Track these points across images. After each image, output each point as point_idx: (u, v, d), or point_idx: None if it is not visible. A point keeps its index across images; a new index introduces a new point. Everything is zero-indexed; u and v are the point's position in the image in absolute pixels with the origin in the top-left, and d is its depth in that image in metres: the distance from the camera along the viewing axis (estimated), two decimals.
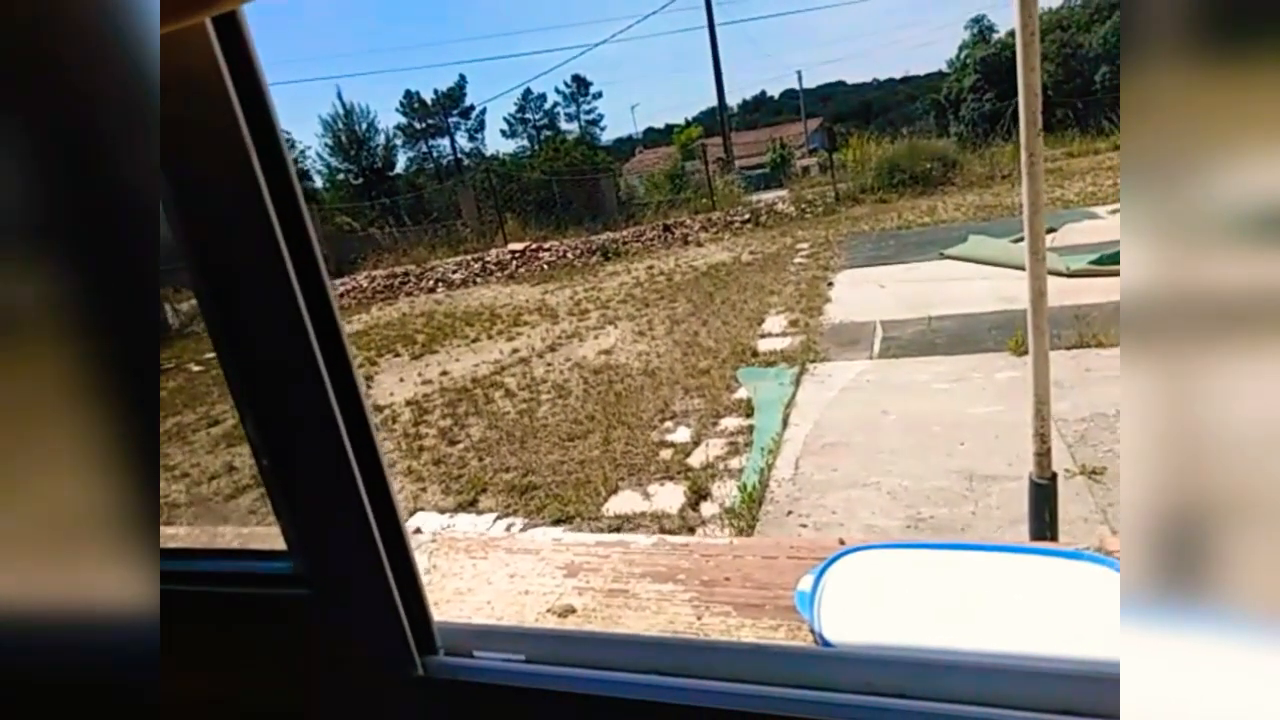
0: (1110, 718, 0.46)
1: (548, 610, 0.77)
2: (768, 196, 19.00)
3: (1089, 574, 0.64)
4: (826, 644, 0.62)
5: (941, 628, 0.61)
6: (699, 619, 0.72)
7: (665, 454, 4.85)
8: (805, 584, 0.69)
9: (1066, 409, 4.36)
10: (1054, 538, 2.00)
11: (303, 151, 29.68)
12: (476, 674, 0.61)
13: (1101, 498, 3.45)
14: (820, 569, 0.70)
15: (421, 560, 0.95)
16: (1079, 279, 7.02)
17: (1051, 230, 9.67)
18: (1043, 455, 2.00)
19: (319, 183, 31.64)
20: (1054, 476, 2.02)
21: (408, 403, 7.03)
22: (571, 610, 0.77)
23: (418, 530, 1.02)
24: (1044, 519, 1.99)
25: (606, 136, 51.44)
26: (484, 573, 0.88)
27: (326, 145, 32.37)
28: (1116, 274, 6.91)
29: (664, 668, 0.59)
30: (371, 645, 0.61)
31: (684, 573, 0.80)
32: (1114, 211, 10.72)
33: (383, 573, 0.58)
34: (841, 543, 0.78)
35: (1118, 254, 7.23)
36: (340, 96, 41.11)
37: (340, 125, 32.17)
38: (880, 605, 0.66)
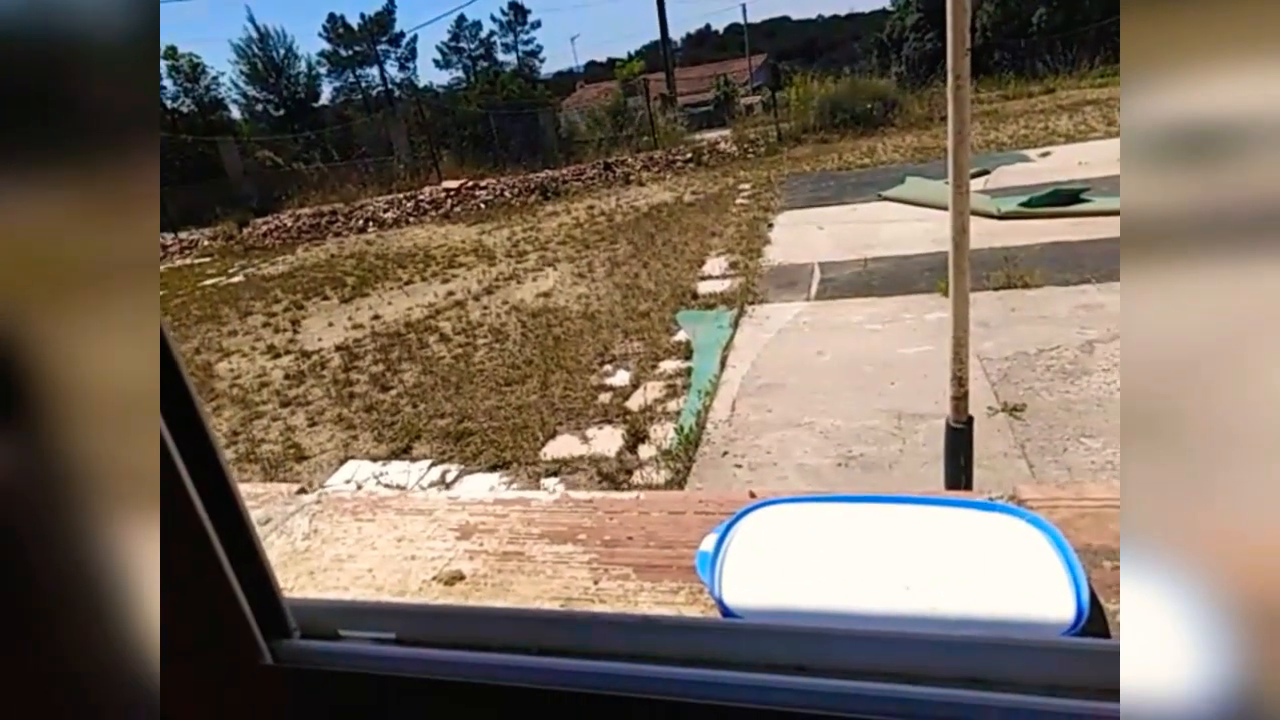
0: (1011, 685, 0.43)
1: (433, 578, 0.70)
2: (711, 135, 18.69)
3: (1002, 527, 0.61)
4: (727, 610, 0.58)
5: (848, 591, 0.57)
6: (596, 583, 0.66)
7: (604, 397, 4.81)
8: (708, 544, 0.64)
9: (991, 348, 4.49)
10: (969, 483, 2.04)
11: (215, 78, 27.41)
12: (337, 659, 0.54)
13: (1021, 433, 3.59)
14: (725, 526, 0.65)
15: (302, 524, 0.86)
16: (1009, 221, 7.18)
17: (985, 173, 9.84)
18: (960, 399, 2.00)
19: (236, 113, 29.46)
20: (970, 420, 2.05)
21: (337, 348, 6.76)
22: (460, 577, 0.70)
23: (302, 490, 0.93)
24: (959, 463, 2.02)
25: (546, 69, 49.50)
26: (369, 537, 0.80)
27: (242, 73, 30.02)
28: (1045, 216, 7.09)
29: (549, 645, 0.53)
30: (205, 633, 0.53)
31: (585, 532, 0.74)
32: (1044, 155, 10.96)
33: (210, 549, 0.50)
34: (752, 495, 0.73)
35: (1046, 196, 7.42)
36: (252, 19, 37.79)
37: (255, 51, 29.82)
38: (785, 567, 0.62)
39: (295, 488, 0.92)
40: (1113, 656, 0.45)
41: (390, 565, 0.74)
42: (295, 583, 0.73)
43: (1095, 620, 0.52)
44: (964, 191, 1.68)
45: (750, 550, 0.63)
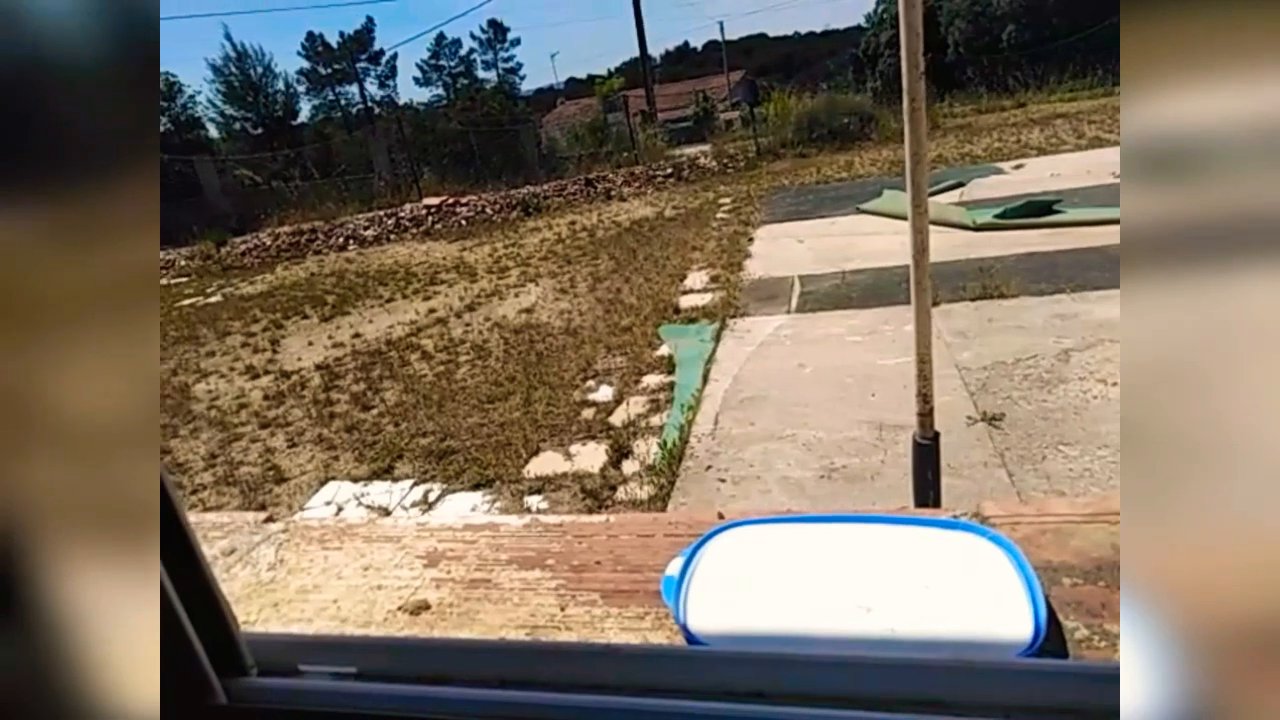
0: (968, 709, 0.43)
1: (399, 608, 0.69)
2: (690, 151, 18.85)
3: (964, 546, 0.62)
4: (691, 636, 0.57)
5: (810, 614, 0.57)
6: (563, 610, 0.66)
7: (587, 413, 4.79)
8: (674, 568, 0.64)
9: (970, 358, 4.54)
10: (937, 499, 2.05)
11: (191, 97, 27.26)
12: (296, 697, 0.53)
13: (1000, 443, 3.62)
14: (691, 550, 0.65)
15: (268, 554, 0.85)
16: (984, 232, 7.29)
17: (960, 185, 10.01)
18: (925, 415, 2.02)
19: (214, 132, 29.30)
20: (936, 436, 2.06)
21: (317, 367, 6.69)
22: (426, 606, 0.69)
23: (269, 519, 0.91)
24: (927, 479, 2.03)
25: (526, 86, 49.76)
26: (335, 566, 0.79)
27: (219, 91, 29.86)
28: (1019, 227, 7.21)
29: (512, 677, 0.52)
30: (155, 674, 0.52)
31: (553, 557, 0.73)
32: (1018, 167, 11.16)
33: (159, 586, 0.48)
34: (720, 517, 0.73)
35: (1020, 208, 7.55)
36: (229, 37, 37.43)
37: (232, 70, 29.69)
38: (749, 591, 0.62)
39: (262, 516, 0.91)
40: (1069, 677, 0.46)
41: (356, 595, 0.73)
42: (259, 615, 0.72)
43: (1053, 639, 0.53)
44: (922, 211, 1.70)
45: (715, 574, 0.63)
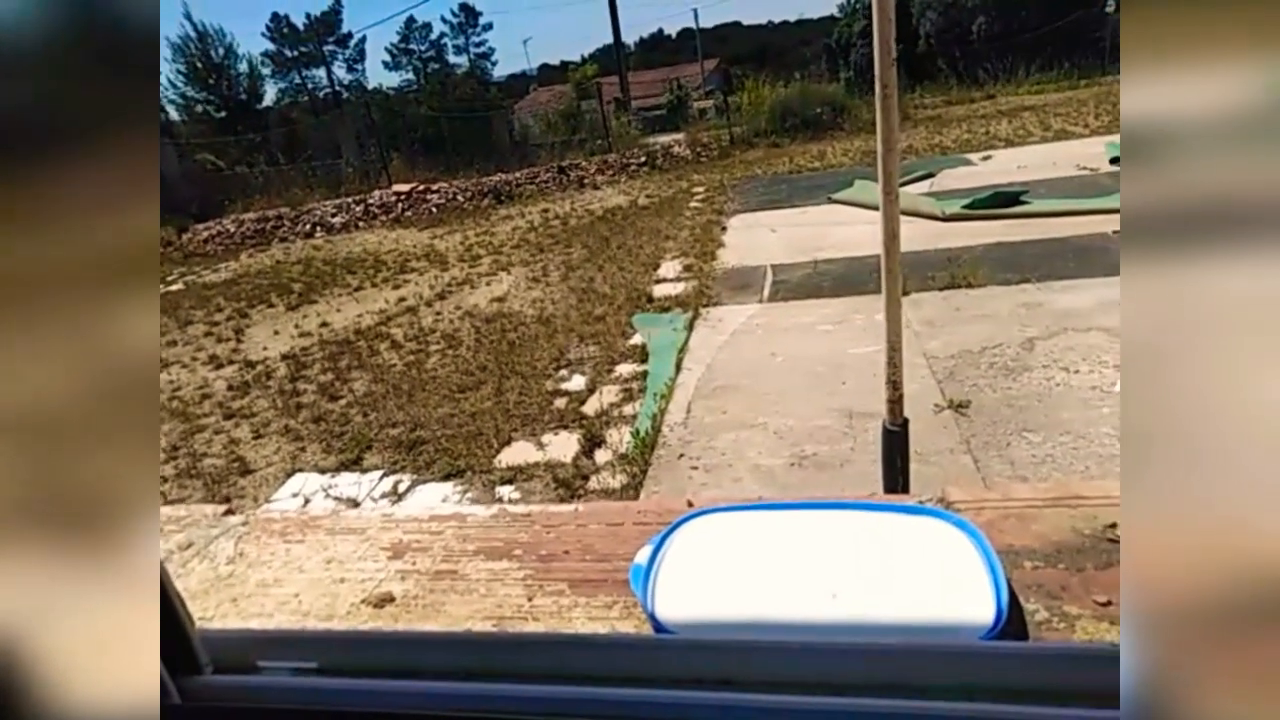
0: (931, 692, 0.44)
1: (362, 601, 0.68)
2: (664, 139, 18.79)
3: (929, 530, 0.62)
4: (659, 625, 0.57)
5: (777, 601, 0.57)
6: (530, 600, 0.65)
7: (560, 403, 4.77)
8: (642, 556, 0.63)
9: (937, 346, 4.61)
10: (905, 486, 2.08)
11: None
12: (253, 693, 0.52)
13: (966, 430, 3.69)
14: (659, 538, 0.65)
15: (227, 547, 0.83)
16: (953, 222, 7.39)
17: (930, 175, 10.12)
18: (895, 402, 2.04)
19: (174, 114, 28.42)
20: (905, 423, 2.08)
21: (283, 357, 6.56)
22: (390, 599, 0.68)
23: (229, 512, 0.89)
24: (896, 466, 2.06)
25: (498, 72, 49.16)
26: (297, 559, 0.77)
27: (179, 72, 28.89)
28: (987, 218, 7.32)
29: (476, 669, 0.52)
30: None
31: (521, 547, 0.73)
32: (986, 158, 11.31)
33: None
34: (690, 505, 0.73)
35: (988, 198, 7.67)
36: (189, 15, 35.88)
37: (193, 50, 28.73)
38: (717, 578, 0.62)
39: (222, 509, 0.88)
40: (1029, 659, 0.46)
41: (318, 589, 0.71)
42: (216, 611, 0.70)
43: (1014, 622, 0.54)
44: (893, 198, 1.71)
45: (684, 562, 0.63)
